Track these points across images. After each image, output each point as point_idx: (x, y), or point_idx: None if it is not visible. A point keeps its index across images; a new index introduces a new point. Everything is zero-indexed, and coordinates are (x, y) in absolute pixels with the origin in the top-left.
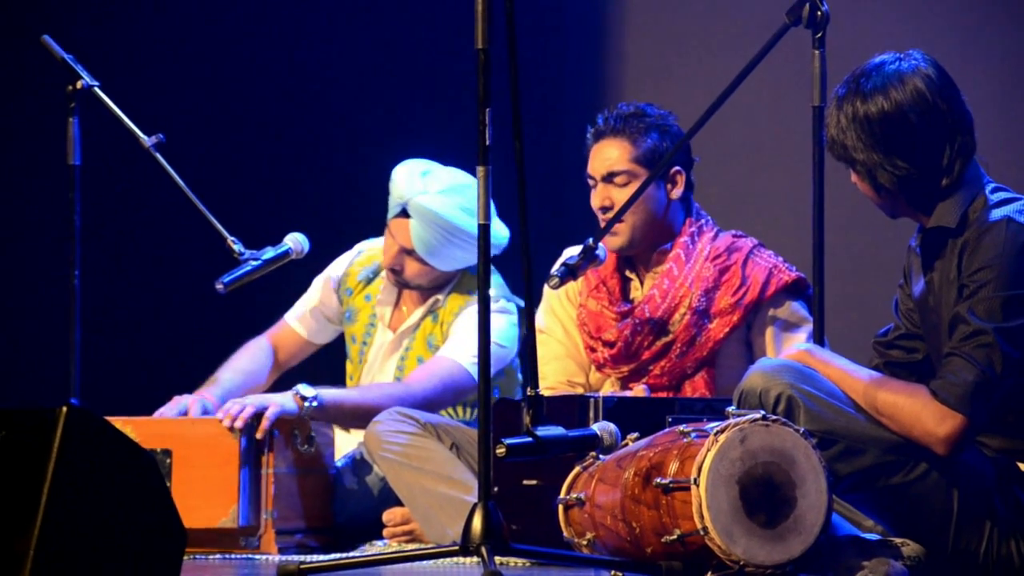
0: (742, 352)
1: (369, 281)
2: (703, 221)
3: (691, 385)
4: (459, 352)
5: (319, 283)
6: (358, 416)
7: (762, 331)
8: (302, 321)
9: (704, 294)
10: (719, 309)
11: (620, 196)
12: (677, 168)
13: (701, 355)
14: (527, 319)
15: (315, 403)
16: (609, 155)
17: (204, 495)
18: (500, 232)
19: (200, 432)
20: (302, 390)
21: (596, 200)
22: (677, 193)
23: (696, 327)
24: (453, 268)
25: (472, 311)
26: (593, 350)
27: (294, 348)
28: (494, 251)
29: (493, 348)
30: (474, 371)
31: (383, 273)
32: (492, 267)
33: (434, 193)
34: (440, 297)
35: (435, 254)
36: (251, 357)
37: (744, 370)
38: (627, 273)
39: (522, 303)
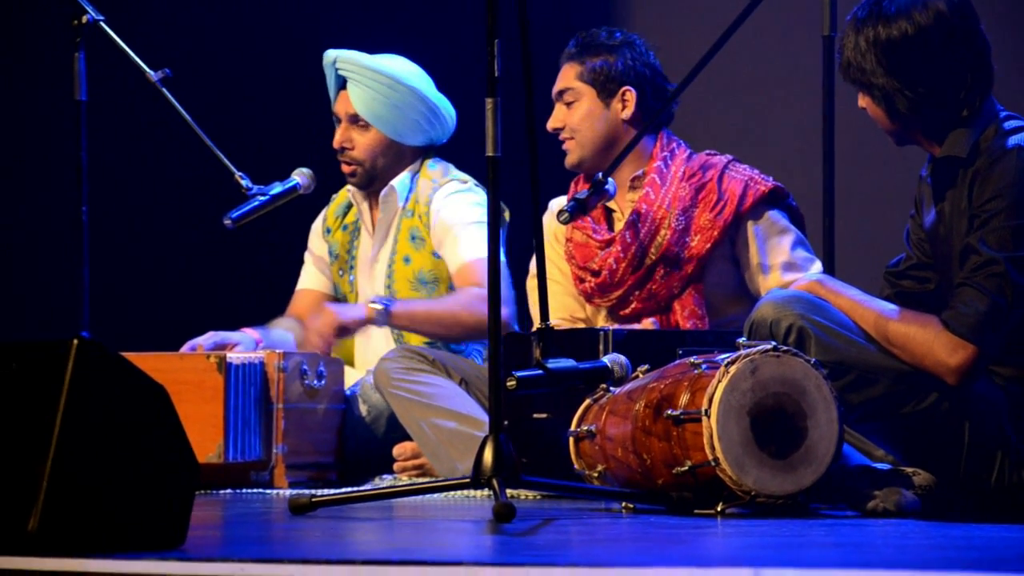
0: (729, 269)
1: (344, 214)
2: (675, 144)
3: (680, 304)
4: (479, 248)
5: (310, 243)
6: (432, 322)
7: (746, 244)
8: (312, 279)
9: (682, 213)
10: (699, 226)
11: (564, 114)
12: (627, 87)
13: (686, 273)
14: (536, 253)
15: (386, 307)
16: (562, 77)
17: (191, 430)
18: (448, 107)
19: (187, 367)
20: (372, 299)
21: (549, 121)
22: (627, 113)
23: (678, 246)
24: (401, 136)
25: (452, 201)
26: (582, 280)
27: (317, 307)
28: (443, 137)
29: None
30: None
31: (354, 197)
32: (444, 162)
33: (364, 55)
34: (399, 186)
35: (380, 116)
36: (288, 324)
37: (734, 286)
38: (608, 204)
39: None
